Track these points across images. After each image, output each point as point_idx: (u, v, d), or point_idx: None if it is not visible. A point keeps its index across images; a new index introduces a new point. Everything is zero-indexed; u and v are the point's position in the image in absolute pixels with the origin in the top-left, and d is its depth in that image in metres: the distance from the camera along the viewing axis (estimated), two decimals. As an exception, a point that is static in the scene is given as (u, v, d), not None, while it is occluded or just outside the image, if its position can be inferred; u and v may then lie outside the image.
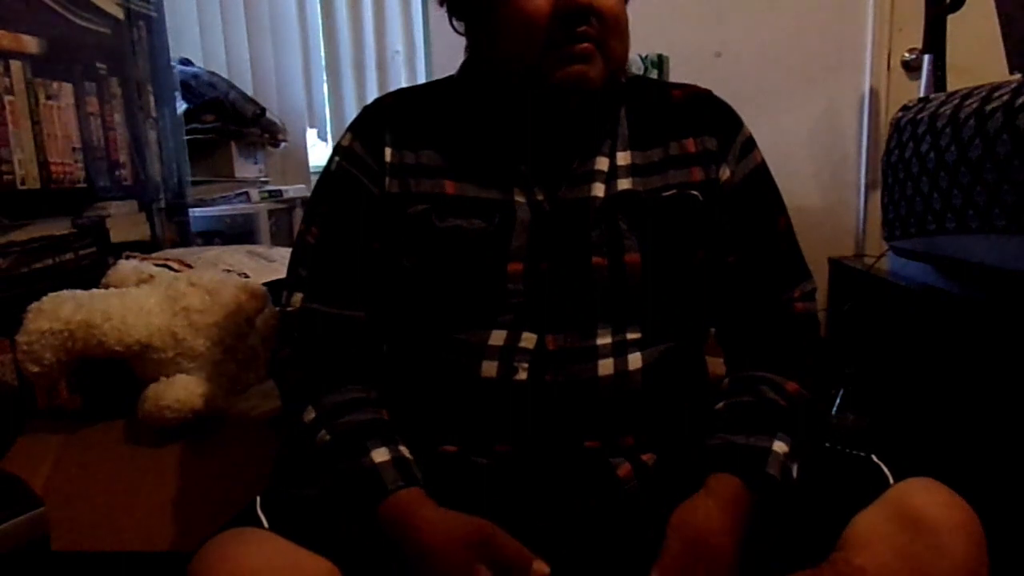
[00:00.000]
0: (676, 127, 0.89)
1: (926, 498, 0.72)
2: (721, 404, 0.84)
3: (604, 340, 0.82)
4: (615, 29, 0.83)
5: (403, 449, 0.79)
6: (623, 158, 0.87)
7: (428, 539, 0.72)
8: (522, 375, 0.80)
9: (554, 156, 0.86)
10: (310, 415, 0.81)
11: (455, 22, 0.90)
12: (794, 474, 0.79)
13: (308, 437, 0.81)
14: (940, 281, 1.58)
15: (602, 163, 0.86)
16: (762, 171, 0.92)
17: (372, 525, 0.75)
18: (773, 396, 0.82)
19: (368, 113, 0.93)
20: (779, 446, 0.78)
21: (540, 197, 0.85)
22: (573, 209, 0.84)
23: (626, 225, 0.83)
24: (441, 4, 0.91)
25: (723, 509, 0.74)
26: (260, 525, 0.74)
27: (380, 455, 0.77)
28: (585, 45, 0.80)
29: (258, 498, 0.78)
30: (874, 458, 0.78)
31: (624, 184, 0.86)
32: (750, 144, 0.92)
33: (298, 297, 0.88)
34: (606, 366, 0.81)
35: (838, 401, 1.78)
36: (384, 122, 0.90)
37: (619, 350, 0.82)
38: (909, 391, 1.60)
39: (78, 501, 1.11)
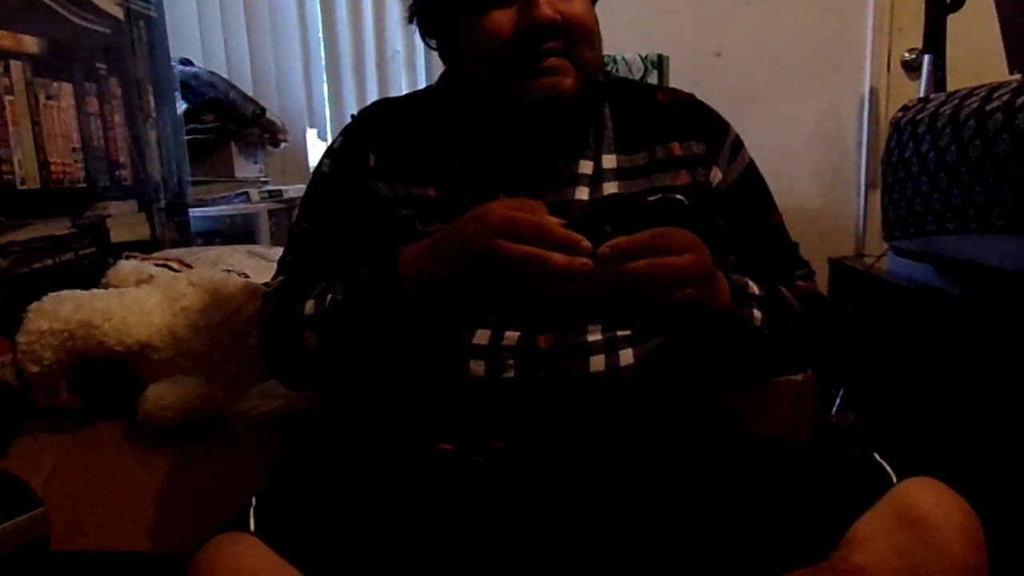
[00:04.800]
0: (661, 130, 0.90)
1: (926, 497, 0.72)
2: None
3: (595, 337, 0.82)
4: (585, 37, 0.83)
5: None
6: (609, 161, 0.88)
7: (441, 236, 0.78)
8: (509, 373, 0.80)
9: (537, 159, 0.87)
10: (309, 306, 0.84)
11: (428, 38, 0.91)
12: (757, 313, 0.82)
13: (322, 313, 0.83)
14: (940, 281, 1.57)
15: (586, 166, 0.87)
16: (752, 170, 0.94)
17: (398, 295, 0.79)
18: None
19: (359, 119, 0.96)
20: (754, 288, 0.84)
21: None
22: (557, 212, 0.83)
23: (612, 229, 0.83)
24: (409, 22, 0.92)
25: None
26: (250, 529, 0.73)
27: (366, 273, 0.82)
28: (553, 61, 0.80)
29: (253, 499, 0.78)
30: (876, 456, 0.78)
31: (610, 188, 0.87)
32: (738, 145, 0.93)
33: (280, 279, 0.92)
34: (597, 362, 0.81)
35: (838, 401, 1.78)
36: (373, 128, 0.93)
37: (610, 346, 0.82)
38: (909, 391, 1.60)
39: (78, 501, 1.11)
